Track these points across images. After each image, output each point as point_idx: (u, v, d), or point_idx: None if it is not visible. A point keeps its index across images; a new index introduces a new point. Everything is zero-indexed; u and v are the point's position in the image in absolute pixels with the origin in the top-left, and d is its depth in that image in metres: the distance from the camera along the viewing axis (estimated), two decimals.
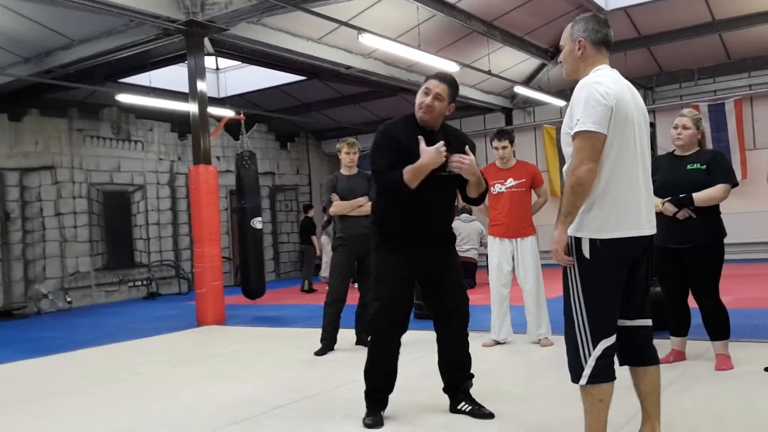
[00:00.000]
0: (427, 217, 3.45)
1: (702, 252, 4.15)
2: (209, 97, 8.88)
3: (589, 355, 2.55)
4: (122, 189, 12.84)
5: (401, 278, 3.50)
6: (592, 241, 2.55)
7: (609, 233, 2.53)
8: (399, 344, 3.65)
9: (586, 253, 2.57)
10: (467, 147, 3.44)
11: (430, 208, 3.45)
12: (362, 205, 5.61)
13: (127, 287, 12.73)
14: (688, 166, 4.23)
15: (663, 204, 4.20)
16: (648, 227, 2.62)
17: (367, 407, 3.59)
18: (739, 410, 3.35)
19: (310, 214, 12.44)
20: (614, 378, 2.59)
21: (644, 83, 12.80)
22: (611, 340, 2.58)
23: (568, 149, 2.59)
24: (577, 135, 2.48)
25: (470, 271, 10.38)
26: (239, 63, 12.49)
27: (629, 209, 2.56)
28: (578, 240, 2.59)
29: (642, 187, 2.59)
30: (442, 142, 3.29)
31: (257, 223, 8.99)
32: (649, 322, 2.76)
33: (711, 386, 3.80)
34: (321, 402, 4.04)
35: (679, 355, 4.45)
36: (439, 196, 3.46)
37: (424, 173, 3.26)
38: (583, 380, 2.55)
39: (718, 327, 4.20)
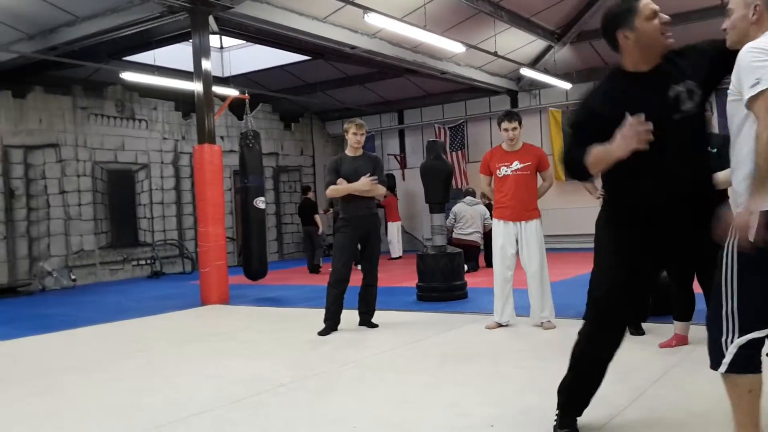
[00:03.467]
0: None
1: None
2: (214, 77, 8.84)
3: (731, 343, 2.29)
4: (126, 168, 12.84)
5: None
6: None
7: None
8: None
9: None
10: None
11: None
12: (367, 189, 5.58)
13: (131, 266, 12.78)
14: None
15: None
16: None
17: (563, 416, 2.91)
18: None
19: (309, 195, 12.45)
20: (760, 371, 2.32)
21: None
22: (763, 332, 2.29)
23: (737, 119, 2.33)
24: (758, 96, 2.18)
25: (473, 255, 10.39)
26: (244, 42, 12.42)
27: None
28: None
29: None
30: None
31: (260, 203, 8.99)
32: None
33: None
34: (324, 381, 4.07)
35: (681, 340, 4.46)
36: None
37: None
38: (723, 368, 2.32)
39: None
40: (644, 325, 4.94)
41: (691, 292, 4.43)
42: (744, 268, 2.26)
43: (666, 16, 2.58)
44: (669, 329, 4.60)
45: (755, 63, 2.21)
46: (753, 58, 2.22)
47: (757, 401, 2.33)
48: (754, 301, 2.27)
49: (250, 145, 8.99)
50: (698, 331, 4.53)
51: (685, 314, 4.48)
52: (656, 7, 2.58)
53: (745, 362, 2.29)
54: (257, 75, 13.80)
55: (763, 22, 2.38)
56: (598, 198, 5.24)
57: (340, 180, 5.59)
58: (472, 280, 8.21)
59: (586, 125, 2.66)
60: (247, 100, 9.83)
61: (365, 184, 5.53)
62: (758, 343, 2.30)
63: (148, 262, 12.98)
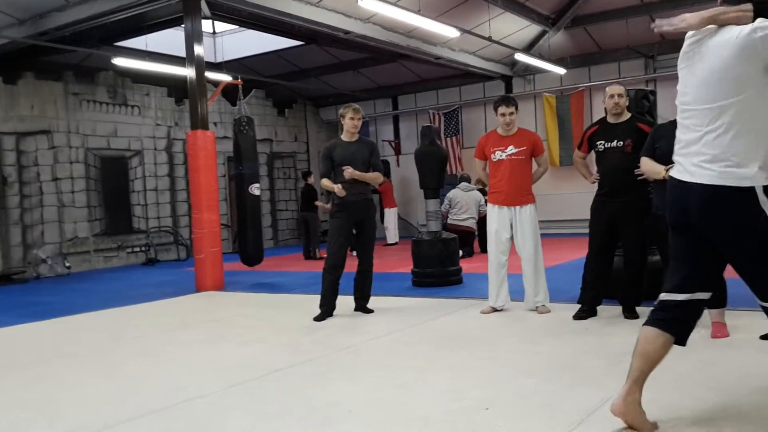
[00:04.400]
0: None
1: None
2: (206, 62, 8.78)
3: None
4: (119, 154, 12.78)
5: None
6: None
7: None
8: None
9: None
10: None
11: None
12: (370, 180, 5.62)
13: (125, 253, 12.75)
14: None
15: (667, 171, 4.18)
16: None
17: None
18: (734, 376, 3.39)
19: (310, 180, 12.40)
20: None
21: (645, 51, 12.69)
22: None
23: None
24: None
25: (468, 240, 10.41)
26: (237, 27, 12.33)
27: None
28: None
29: None
30: None
31: (255, 189, 8.97)
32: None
33: (707, 353, 3.84)
34: (320, 366, 4.08)
35: (721, 327, 4.44)
36: None
37: None
38: None
39: (715, 295, 4.20)
40: (639, 309, 4.97)
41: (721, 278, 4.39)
42: None
43: None
44: None
45: None
46: None
47: None
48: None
49: (244, 131, 8.96)
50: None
51: (719, 301, 4.26)
52: None
53: None
54: (250, 60, 13.72)
55: None
56: (593, 182, 5.27)
57: (347, 169, 5.56)
58: (467, 266, 8.23)
59: None
60: (240, 86, 9.78)
61: (348, 175, 5.52)
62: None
63: (143, 249, 12.96)
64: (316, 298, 5.74)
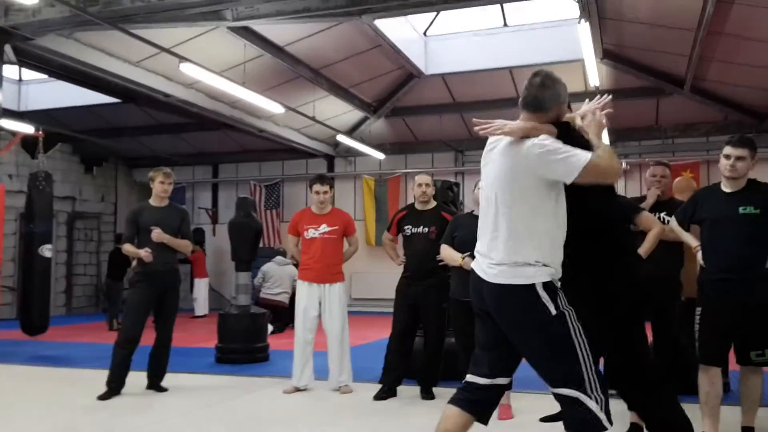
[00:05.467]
0: None
1: None
2: (6, 110, 8.02)
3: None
4: None
5: None
6: None
7: None
8: None
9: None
10: None
11: None
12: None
13: None
14: None
15: (463, 258, 4.46)
16: None
17: None
18: None
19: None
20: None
21: (456, 146, 13.74)
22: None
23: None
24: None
25: (279, 315, 10.24)
26: (46, 76, 11.47)
27: None
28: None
29: None
30: None
31: (47, 251, 8.15)
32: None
33: None
34: None
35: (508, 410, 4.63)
36: None
37: None
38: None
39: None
40: (435, 390, 5.12)
41: None
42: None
43: None
44: None
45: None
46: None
47: None
48: None
49: (40, 186, 8.21)
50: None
51: None
52: None
53: None
54: (59, 112, 12.74)
55: None
56: (399, 264, 5.47)
57: (155, 230, 5.24)
58: (276, 342, 8.03)
59: None
60: (40, 138, 9.01)
61: (157, 237, 5.24)
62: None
63: None
64: (105, 374, 5.22)
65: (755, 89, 10.12)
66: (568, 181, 2.57)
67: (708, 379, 3.71)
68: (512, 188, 2.64)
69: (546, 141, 2.57)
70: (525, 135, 2.61)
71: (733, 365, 3.99)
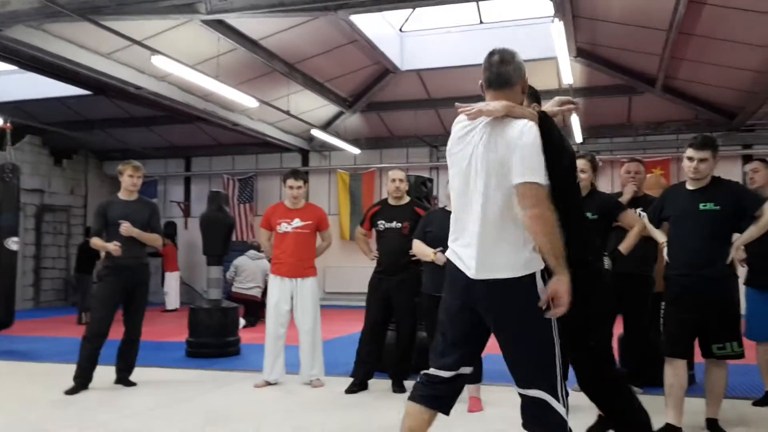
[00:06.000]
0: None
1: None
2: None
3: None
4: None
5: None
6: None
7: None
8: None
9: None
10: None
11: None
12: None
13: None
14: None
15: (435, 254, 4.48)
16: None
17: None
18: None
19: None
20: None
21: (430, 141, 13.78)
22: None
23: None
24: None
25: (252, 309, 10.19)
26: (15, 68, 11.22)
27: None
28: None
29: None
30: None
31: (12, 244, 7.99)
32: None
33: (463, 427, 4.04)
34: None
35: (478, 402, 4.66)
36: None
37: None
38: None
39: (473, 371, 4.49)
40: (406, 383, 5.13)
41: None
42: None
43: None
44: None
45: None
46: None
47: None
48: None
49: (7, 179, 8.03)
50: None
51: (476, 377, 4.56)
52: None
53: None
54: (28, 104, 12.49)
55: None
56: (372, 259, 5.48)
57: (124, 224, 5.18)
58: (248, 336, 8.00)
59: None
60: (8, 131, 8.83)
61: (125, 231, 5.17)
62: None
63: None
64: (72, 369, 5.15)
65: (725, 89, 10.30)
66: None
67: (673, 371, 3.79)
68: (505, 171, 2.48)
69: (539, 139, 2.47)
70: (507, 114, 2.51)
71: (698, 357, 4.07)
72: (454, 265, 2.64)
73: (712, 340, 3.79)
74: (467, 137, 2.62)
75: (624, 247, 4.05)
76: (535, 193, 2.40)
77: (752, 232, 3.74)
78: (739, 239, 3.80)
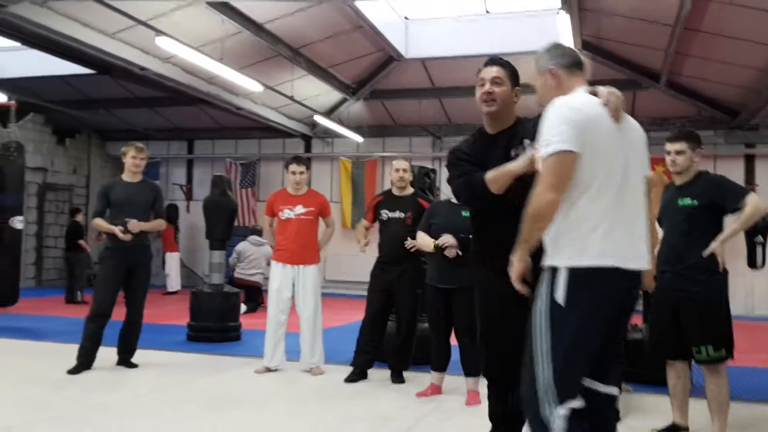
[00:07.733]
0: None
1: (469, 293, 4.47)
2: None
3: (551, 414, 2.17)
4: None
5: None
6: None
7: None
8: None
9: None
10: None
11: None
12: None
13: None
14: (464, 213, 4.57)
15: (436, 246, 4.51)
16: None
17: None
18: None
19: (78, 218, 11.46)
20: None
21: (434, 131, 13.77)
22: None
23: None
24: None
25: (254, 295, 10.24)
26: (18, 45, 11.20)
27: None
28: None
29: None
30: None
31: (17, 222, 8.03)
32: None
33: (461, 420, 4.09)
34: (61, 427, 3.65)
35: (436, 389, 4.74)
36: None
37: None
38: None
39: (472, 364, 4.56)
40: (405, 374, 5.19)
41: (448, 344, 4.75)
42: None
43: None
44: (427, 378, 4.88)
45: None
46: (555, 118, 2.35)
47: None
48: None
49: (11, 158, 8.06)
50: (451, 381, 4.88)
51: (441, 365, 4.78)
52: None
53: None
54: (31, 82, 12.48)
55: (562, 83, 2.56)
56: (362, 250, 5.52)
57: (132, 222, 5.21)
58: (249, 321, 8.04)
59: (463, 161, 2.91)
60: (13, 108, 8.84)
61: (134, 228, 5.21)
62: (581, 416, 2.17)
63: None
64: (75, 348, 5.20)
65: (729, 86, 10.29)
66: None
67: (674, 373, 3.82)
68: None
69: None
70: None
71: None
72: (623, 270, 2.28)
73: (691, 342, 3.65)
74: (618, 127, 2.64)
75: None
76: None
77: (735, 226, 3.63)
78: (722, 234, 3.64)
